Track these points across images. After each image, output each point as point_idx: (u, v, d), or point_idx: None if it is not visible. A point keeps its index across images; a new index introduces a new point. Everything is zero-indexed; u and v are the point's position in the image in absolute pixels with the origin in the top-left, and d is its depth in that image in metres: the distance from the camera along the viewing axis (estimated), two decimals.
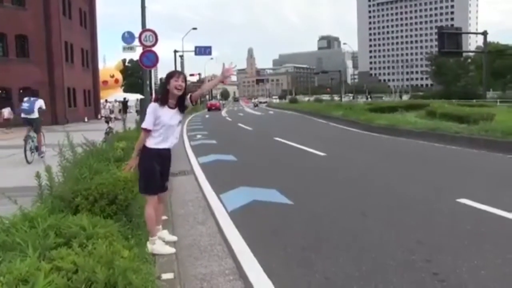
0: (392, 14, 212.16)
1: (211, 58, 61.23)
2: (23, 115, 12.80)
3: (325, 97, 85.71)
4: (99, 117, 31.30)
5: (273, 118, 38.30)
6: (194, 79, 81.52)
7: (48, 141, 12.76)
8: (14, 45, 31.56)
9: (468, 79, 66.26)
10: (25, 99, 13.22)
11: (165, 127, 4.49)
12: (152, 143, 4.50)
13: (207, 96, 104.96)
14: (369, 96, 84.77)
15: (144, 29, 16.10)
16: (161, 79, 44.84)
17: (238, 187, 8.17)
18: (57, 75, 32.90)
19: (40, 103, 13.10)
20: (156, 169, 4.50)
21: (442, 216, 5.88)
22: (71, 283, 2.54)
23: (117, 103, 36.32)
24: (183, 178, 9.48)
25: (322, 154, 12.36)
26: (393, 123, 18.68)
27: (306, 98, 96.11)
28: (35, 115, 12.80)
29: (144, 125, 4.49)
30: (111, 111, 28.68)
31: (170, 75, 4.47)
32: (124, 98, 35.40)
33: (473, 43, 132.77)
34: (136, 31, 16.18)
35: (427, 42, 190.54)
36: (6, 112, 27.36)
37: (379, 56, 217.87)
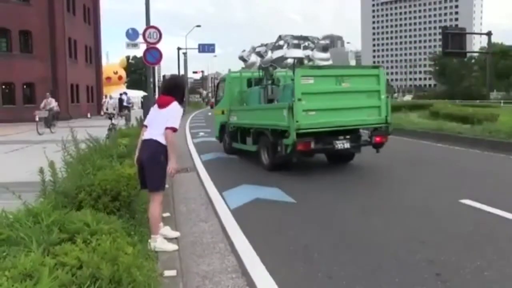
0: (395, 14, 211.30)
1: (215, 56, 61.29)
2: (125, 104, 25.93)
3: None
4: (102, 113, 31.57)
5: None
6: (197, 76, 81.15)
7: (51, 137, 13.11)
8: (18, 40, 31.61)
9: (471, 80, 66.19)
10: (124, 96, 26.63)
11: None
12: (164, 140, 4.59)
13: (210, 95, 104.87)
14: None
15: (148, 26, 16.10)
16: (164, 76, 44.61)
17: (241, 185, 8.18)
18: (60, 71, 32.95)
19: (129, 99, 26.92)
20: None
21: (445, 216, 5.87)
22: (76, 279, 2.55)
23: (112, 99, 35.65)
24: (186, 175, 9.49)
25: None
26: (396, 122, 18.61)
27: None
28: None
29: (177, 125, 4.61)
30: (107, 108, 29.22)
31: (184, 84, 4.94)
32: (121, 94, 34.82)
33: (477, 43, 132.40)
34: (140, 28, 16.19)
35: (431, 42, 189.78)
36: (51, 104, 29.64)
37: (383, 56, 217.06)
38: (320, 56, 10.25)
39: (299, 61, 10.37)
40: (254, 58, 11.42)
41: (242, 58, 11.89)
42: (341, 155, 10.09)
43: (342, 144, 9.00)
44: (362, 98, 9.27)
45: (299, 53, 10.21)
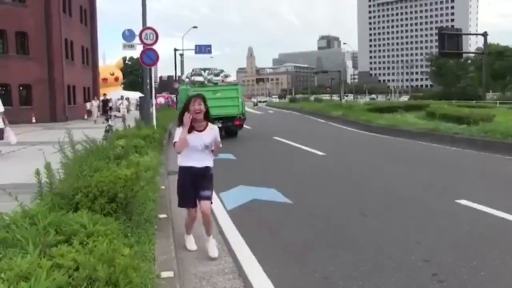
0: (392, 15, 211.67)
1: (211, 57, 61.00)
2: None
3: (325, 97, 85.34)
4: (96, 116, 31.83)
5: (272, 117, 38.23)
6: None
7: (47, 138, 13.23)
8: (14, 41, 31.46)
9: (468, 80, 66.31)
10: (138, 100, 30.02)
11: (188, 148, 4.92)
12: (179, 161, 5.00)
13: None
14: (346, 96, 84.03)
15: (144, 27, 16.09)
16: (161, 77, 44.60)
17: (237, 186, 8.18)
18: (57, 72, 32.80)
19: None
20: (186, 184, 4.99)
21: (441, 216, 5.90)
22: (72, 281, 2.54)
23: (97, 101, 35.30)
24: None
25: (321, 153, 12.37)
26: (392, 123, 18.66)
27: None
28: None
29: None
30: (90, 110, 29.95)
31: (188, 102, 4.78)
32: (104, 95, 34.37)
33: (473, 44, 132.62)
34: (137, 29, 16.17)
35: (427, 43, 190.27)
36: (88, 105, 34.44)
37: (379, 57, 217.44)
38: (215, 79, 18.70)
39: (202, 82, 18.42)
40: (187, 80, 20.08)
41: (180, 79, 23.50)
42: (230, 131, 17.95)
43: (217, 125, 15.91)
44: (228, 101, 17.37)
45: (201, 78, 18.61)
